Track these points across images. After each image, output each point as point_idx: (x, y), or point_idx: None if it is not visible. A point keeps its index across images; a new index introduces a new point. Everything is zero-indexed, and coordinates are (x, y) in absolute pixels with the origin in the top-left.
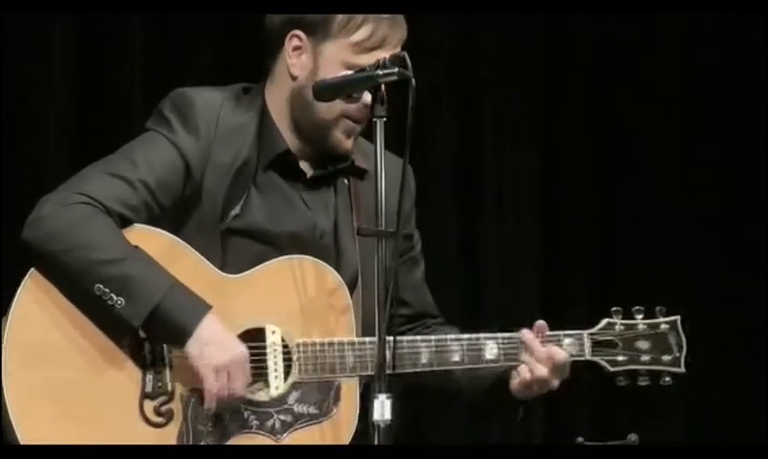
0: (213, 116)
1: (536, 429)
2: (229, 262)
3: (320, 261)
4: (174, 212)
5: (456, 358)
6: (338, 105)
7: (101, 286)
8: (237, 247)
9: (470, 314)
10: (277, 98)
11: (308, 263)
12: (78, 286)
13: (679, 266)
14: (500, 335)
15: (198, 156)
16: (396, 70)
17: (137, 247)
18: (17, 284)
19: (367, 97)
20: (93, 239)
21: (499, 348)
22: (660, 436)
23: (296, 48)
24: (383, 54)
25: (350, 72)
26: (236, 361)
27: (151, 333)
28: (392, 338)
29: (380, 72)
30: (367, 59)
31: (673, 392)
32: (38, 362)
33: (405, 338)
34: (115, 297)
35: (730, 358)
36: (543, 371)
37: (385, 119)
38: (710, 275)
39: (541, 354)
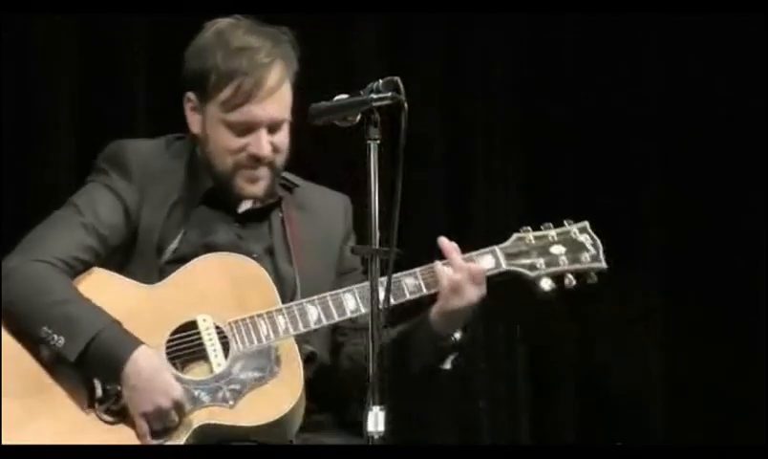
0: (143, 160)
1: (523, 431)
2: None
3: (236, 254)
4: (119, 254)
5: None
6: (229, 158)
7: (46, 328)
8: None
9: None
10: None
11: (227, 257)
12: (29, 332)
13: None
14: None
15: (132, 198)
16: (390, 94)
17: (81, 295)
18: None
19: (256, 143)
20: (41, 286)
21: (416, 278)
22: (643, 438)
23: (192, 108)
24: (254, 108)
25: (228, 130)
26: (158, 405)
27: (89, 369)
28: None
29: (374, 96)
30: (238, 116)
31: (656, 394)
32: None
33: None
34: (56, 337)
35: (717, 358)
36: (457, 277)
37: (379, 141)
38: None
39: (456, 262)
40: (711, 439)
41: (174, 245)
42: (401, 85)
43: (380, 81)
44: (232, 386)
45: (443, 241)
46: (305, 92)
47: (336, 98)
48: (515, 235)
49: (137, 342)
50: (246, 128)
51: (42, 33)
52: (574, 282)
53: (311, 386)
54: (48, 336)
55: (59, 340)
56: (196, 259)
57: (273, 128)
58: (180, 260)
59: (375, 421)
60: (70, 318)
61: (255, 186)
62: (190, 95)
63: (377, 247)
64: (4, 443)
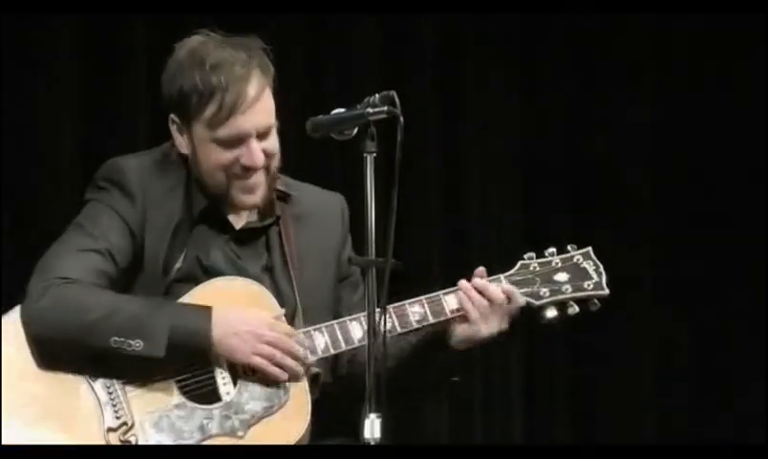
0: (145, 181)
1: (515, 430)
2: None
3: (242, 278)
4: (126, 276)
5: (416, 316)
6: (222, 173)
7: (116, 337)
8: (179, 292)
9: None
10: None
11: (233, 281)
12: (96, 347)
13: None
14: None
15: (135, 219)
16: (386, 108)
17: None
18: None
19: (248, 154)
20: (87, 304)
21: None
22: (636, 436)
23: (177, 130)
24: (240, 120)
25: (219, 147)
26: (258, 333)
27: (177, 356)
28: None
29: (370, 110)
30: (225, 131)
31: (649, 393)
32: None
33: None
34: (132, 342)
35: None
36: (482, 302)
37: (375, 154)
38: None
39: (478, 284)
40: (703, 439)
41: (178, 264)
42: (397, 99)
43: (377, 95)
44: (241, 417)
45: (480, 271)
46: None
47: (333, 111)
48: (519, 263)
49: (208, 308)
50: (236, 140)
51: (43, 34)
52: (577, 309)
53: (317, 407)
54: (122, 344)
55: (137, 344)
56: (202, 285)
57: (262, 135)
58: (183, 279)
59: (372, 428)
60: (136, 319)
61: (253, 196)
62: (173, 117)
63: (374, 258)
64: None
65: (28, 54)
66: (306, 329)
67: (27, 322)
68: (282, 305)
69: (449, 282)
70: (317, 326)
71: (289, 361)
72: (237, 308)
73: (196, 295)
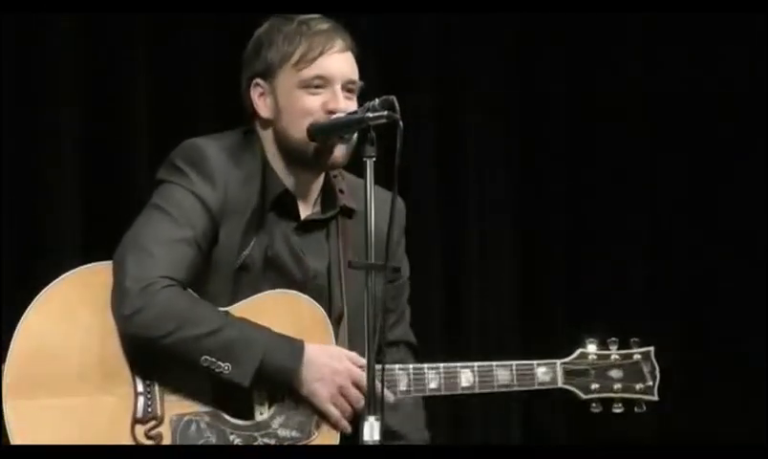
0: (225, 166)
1: (513, 431)
2: (239, 298)
3: (303, 295)
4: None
5: (466, 383)
6: (307, 120)
7: (208, 357)
8: (246, 282)
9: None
10: (268, 141)
11: (291, 296)
12: (186, 361)
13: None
14: (514, 362)
15: (216, 204)
16: (386, 113)
17: (227, 312)
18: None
19: (332, 98)
20: (188, 317)
21: (512, 372)
22: (635, 436)
23: (261, 95)
24: (327, 61)
25: (304, 91)
26: (341, 384)
27: (262, 386)
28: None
29: (370, 114)
30: (313, 70)
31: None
32: (37, 392)
33: (411, 365)
34: (222, 364)
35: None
36: None
37: (374, 158)
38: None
39: None
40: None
41: (246, 251)
42: (397, 104)
43: (377, 100)
44: (267, 441)
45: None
46: None
47: (334, 116)
48: (579, 350)
49: (300, 343)
50: (322, 82)
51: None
52: (622, 410)
53: None
54: (212, 363)
55: (226, 367)
56: (267, 293)
57: (347, 88)
58: (247, 268)
59: (371, 431)
60: (231, 344)
61: (339, 153)
62: (258, 80)
63: (374, 262)
64: (32, 435)
65: (28, 55)
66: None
67: (127, 318)
68: (329, 307)
69: (449, 282)
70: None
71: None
72: (327, 350)
73: (259, 304)
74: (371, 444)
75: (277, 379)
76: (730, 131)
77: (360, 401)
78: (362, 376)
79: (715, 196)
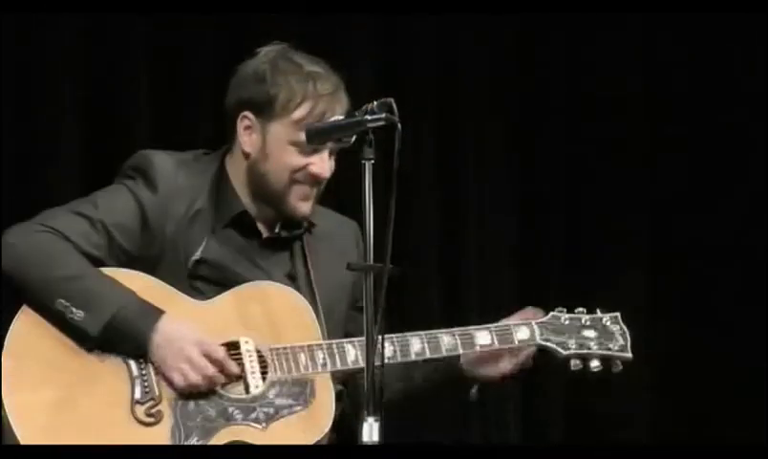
0: (170, 174)
1: (512, 430)
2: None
3: (284, 286)
4: (145, 261)
5: (447, 344)
6: (288, 175)
7: (63, 300)
8: (199, 289)
9: None
10: (236, 168)
11: (273, 287)
12: (43, 302)
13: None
14: (492, 325)
15: (154, 209)
16: (384, 115)
17: (96, 268)
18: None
19: (320, 163)
20: (55, 258)
21: (491, 333)
22: (629, 436)
23: (247, 127)
24: None
25: (295, 149)
26: (188, 355)
27: (110, 343)
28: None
29: (368, 117)
30: None
31: (641, 392)
32: (34, 386)
33: (394, 335)
34: (75, 311)
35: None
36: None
37: (373, 161)
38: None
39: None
40: (679, 439)
41: (196, 255)
42: (395, 106)
43: (375, 102)
44: (266, 409)
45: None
46: None
47: (332, 118)
48: (551, 313)
49: (159, 312)
50: (314, 149)
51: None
52: (600, 367)
53: (338, 424)
54: (65, 309)
55: (78, 313)
56: (246, 284)
57: (332, 152)
58: (202, 277)
59: (370, 432)
60: (90, 292)
61: (306, 205)
62: (248, 114)
63: (372, 263)
64: (33, 429)
65: (28, 55)
66: (339, 341)
67: (7, 245)
68: None
69: (447, 282)
70: (351, 340)
71: (202, 381)
72: (186, 325)
73: (241, 293)
74: (370, 444)
75: (127, 337)
76: (730, 131)
77: (208, 369)
78: (215, 349)
79: (716, 196)
